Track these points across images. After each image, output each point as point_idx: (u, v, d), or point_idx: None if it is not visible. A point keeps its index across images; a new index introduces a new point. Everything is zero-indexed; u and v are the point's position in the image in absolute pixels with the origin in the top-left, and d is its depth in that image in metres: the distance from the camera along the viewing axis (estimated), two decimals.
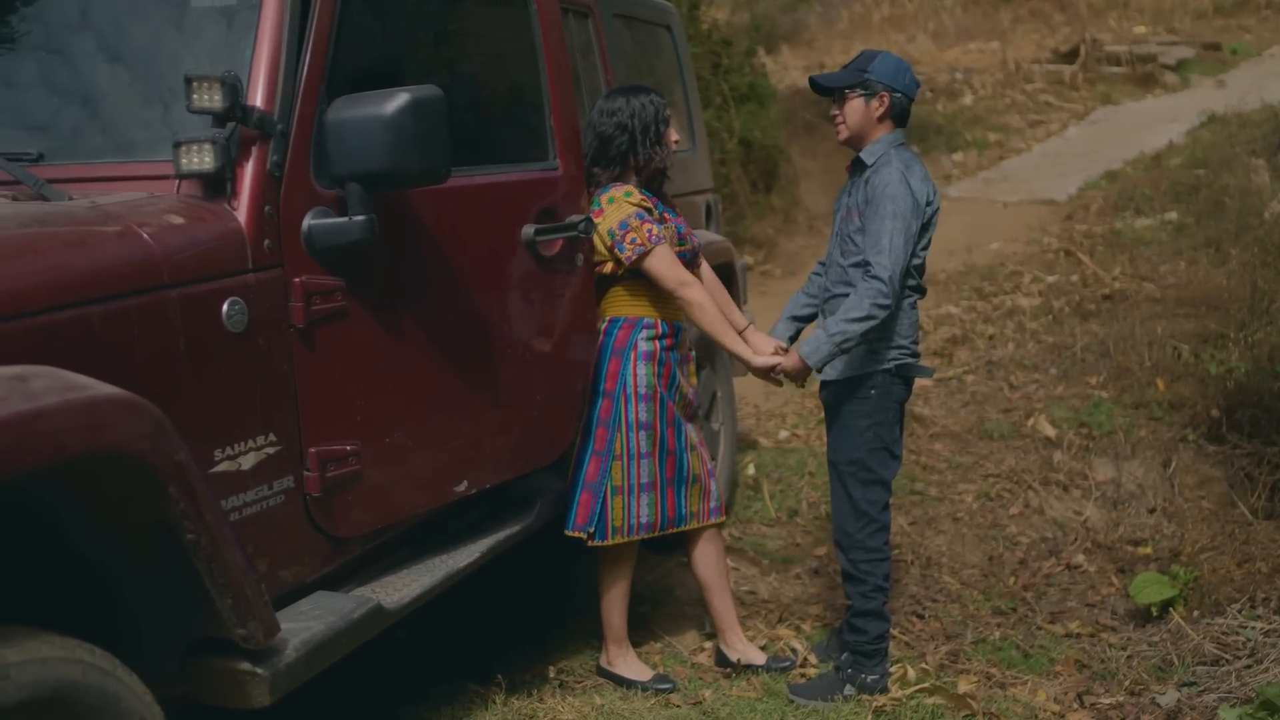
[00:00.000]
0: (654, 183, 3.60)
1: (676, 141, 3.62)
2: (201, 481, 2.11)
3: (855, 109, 3.51)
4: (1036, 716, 3.55)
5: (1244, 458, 5.36)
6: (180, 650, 2.37)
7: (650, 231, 3.40)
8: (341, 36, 2.72)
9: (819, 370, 3.49)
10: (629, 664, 3.69)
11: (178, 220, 2.40)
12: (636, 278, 3.50)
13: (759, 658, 3.77)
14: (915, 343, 3.58)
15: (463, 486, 3.09)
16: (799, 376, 3.55)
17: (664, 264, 3.42)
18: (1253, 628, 3.86)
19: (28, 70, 2.77)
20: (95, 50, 2.72)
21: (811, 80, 3.67)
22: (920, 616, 4.30)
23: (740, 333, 3.64)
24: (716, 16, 10.92)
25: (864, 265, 3.39)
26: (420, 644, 3.83)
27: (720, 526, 3.74)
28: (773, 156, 10.59)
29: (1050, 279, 8.57)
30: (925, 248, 3.51)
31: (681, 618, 4.18)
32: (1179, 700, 3.55)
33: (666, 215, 3.54)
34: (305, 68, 2.63)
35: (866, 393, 3.51)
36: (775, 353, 3.61)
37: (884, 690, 3.54)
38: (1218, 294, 7.20)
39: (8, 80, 2.77)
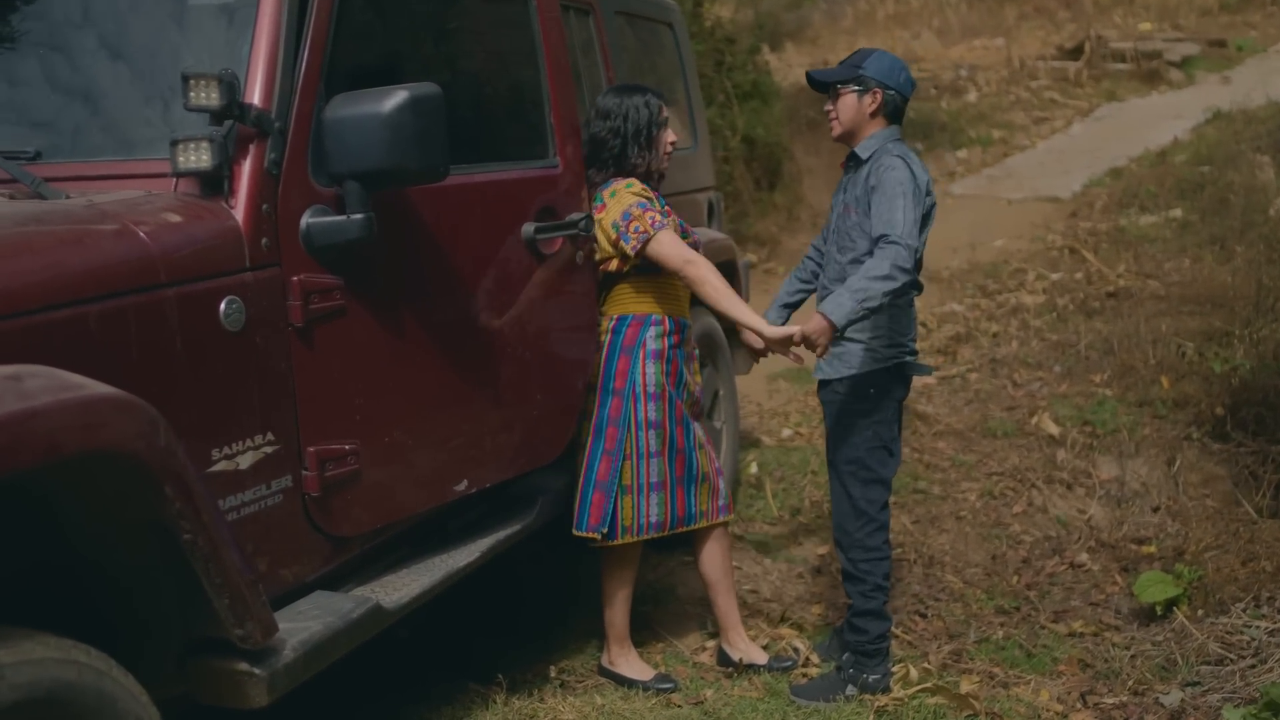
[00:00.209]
0: (648, 183, 3.58)
1: (673, 143, 3.61)
2: (198, 481, 2.10)
3: (848, 104, 3.51)
4: (1039, 716, 3.53)
5: (1249, 456, 5.34)
6: (179, 650, 2.36)
7: (653, 219, 3.39)
8: (340, 33, 2.71)
9: (842, 332, 3.26)
10: (630, 664, 3.68)
11: (175, 219, 2.39)
12: (642, 274, 3.49)
13: (761, 657, 3.76)
14: (913, 340, 3.56)
15: (462, 485, 3.08)
16: (821, 338, 3.26)
17: (669, 246, 3.39)
18: (1257, 627, 3.84)
19: (25, 68, 2.76)
20: (93, 48, 2.71)
21: (808, 76, 3.66)
22: (923, 615, 4.29)
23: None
24: (720, 14, 10.90)
25: (877, 240, 3.30)
26: (421, 643, 3.82)
27: (727, 525, 3.73)
28: (776, 154, 10.57)
29: (1054, 276, 8.55)
30: (923, 242, 3.50)
31: (684, 617, 4.17)
32: (1183, 700, 3.54)
33: (669, 209, 3.53)
34: (303, 65, 2.62)
35: (865, 392, 3.50)
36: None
37: (886, 690, 3.53)
38: (1222, 291, 7.18)
39: (5, 78, 2.76)
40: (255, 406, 2.50)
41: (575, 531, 3.53)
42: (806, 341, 3.28)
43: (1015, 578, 4.61)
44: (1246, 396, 5.64)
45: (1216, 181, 9.84)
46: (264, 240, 2.52)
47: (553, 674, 3.65)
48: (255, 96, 2.54)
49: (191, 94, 2.41)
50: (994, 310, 8.00)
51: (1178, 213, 9.53)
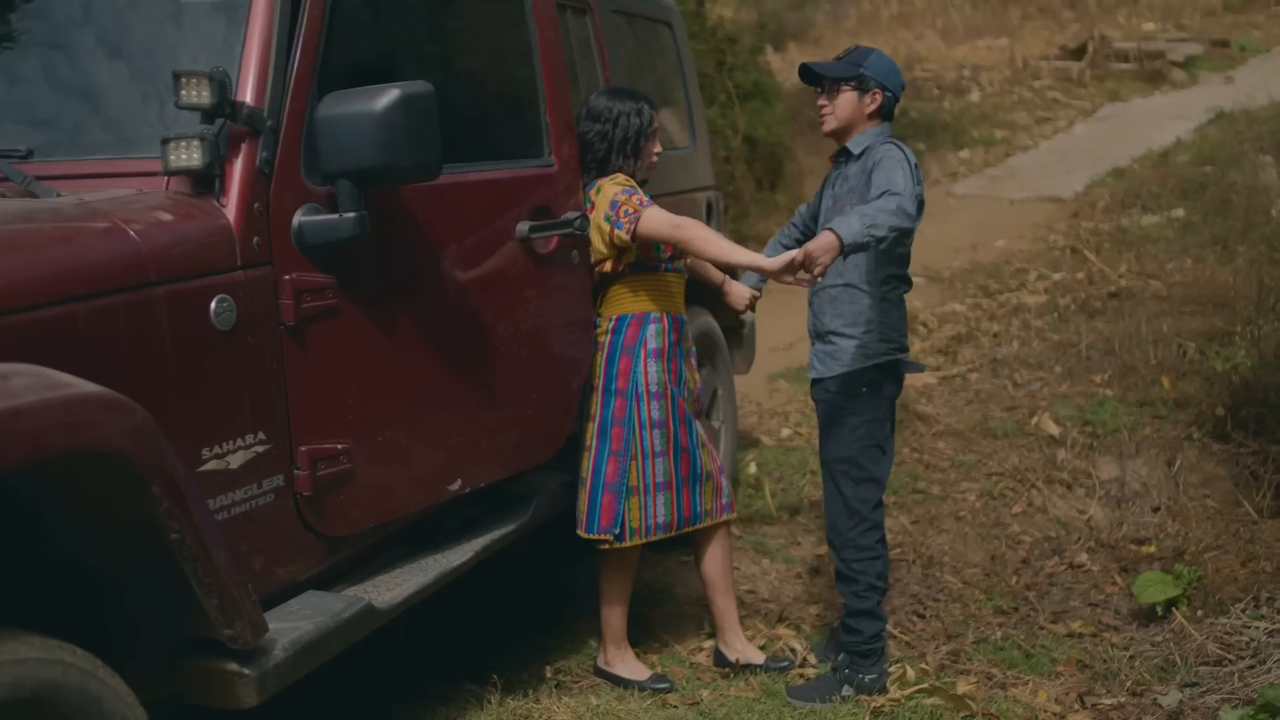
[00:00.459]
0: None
1: (658, 154, 3.62)
2: (186, 480, 2.09)
3: (847, 102, 3.49)
4: (1037, 717, 3.52)
5: (1249, 456, 5.32)
6: (169, 650, 2.35)
7: (640, 199, 3.40)
8: (333, 32, 2.70)
9: (845, 254, 3.14)
10: (627, 664, 3.67)
11: (165, 217, 2.38)
12: (637, 273, 3.49)
13: (758, 657, 3.75)
14: (904, 335, 3.55)
15: (456, 485, 3.07)
16: (825, 255, 3.08)
17: (658, 218, 3.38)
18: (1256, 627, 3.82)
19: (17, 66, 2.75)
20: (85, 46, 2.71)
21: (804, 67, 3.62)
22: (921, 616, 4.27)
23: (720, 285, 3.78)
24: (722, 14, 10.89)
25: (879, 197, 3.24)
26: (417, 642, 3.82)
27: (729, 524, 3.72)
28: (778, 154, 10.56)
29: (1056, 276, 8.54)
30: (912, 237, 3.49)
31: (681, 617, 4.16)
32: (1181, 701, 3.52)
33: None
34: (296, 63, 2.62)
35: (857, 390, 3.49)
36: (751, 300, 3.79)
37: (882, 690, 3.52)
38: (1224, 291, 7.16)
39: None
40: (246, 405, 2.49)
41: (584, 534, 3.52)
42: (808, 260, 3.10)
43: (1014, 578, 4.60)
44: (1247, 396, 5.62)
45: (1219, 182, 9.83)
46: (255, 239, 2.52)
47: (548, 674, 3.64)
48: (247, 95, 2.54)
49: (183, 92, 2.41)
50: (995, 310, 7.98)
51: (1180, 213, 9.52)
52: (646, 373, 3.47)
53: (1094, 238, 9.41)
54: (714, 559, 3.72)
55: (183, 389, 2.34)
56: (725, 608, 3.77)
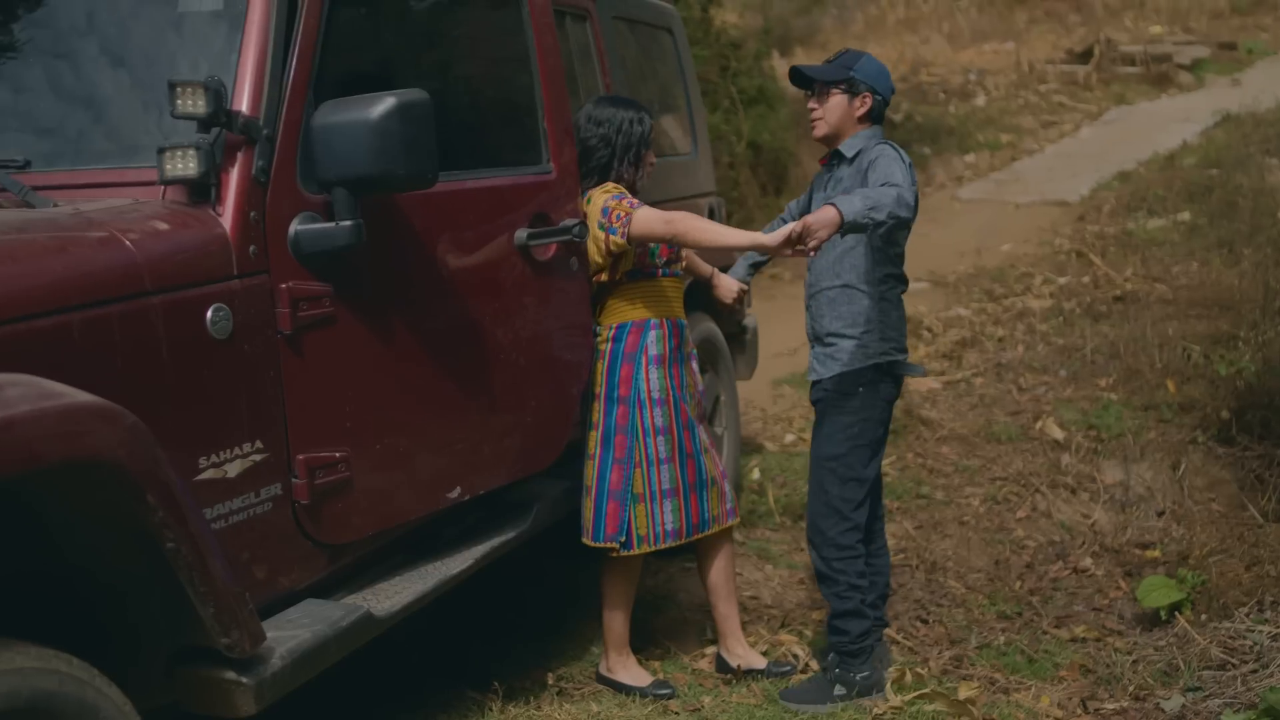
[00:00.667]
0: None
1: (653, 164, 3.64)
2: (182, 489, 2.10)
3: (837, 105, 3.50)
4: None
5: (1254, 459, 5.31)
6: (168, 659, 2.36)
7: (630, 202, 3.42)
8: (329, 40, 2.71)
9: (844, 232, 3.12)
10: (629, 670, 3.66)
11: (161, 226, 2.39)
12: (634, 281, 3.49)
13: (759, 663, 3.75)
14: (902, 336, 3.55)
15: (455, 493, 3.08)
16: (823, 230, 3.07)
17: (650, 217, 3.39)
18: (1260, 631, 3.81)
19: (14, 77, 2.76)
20: (82, 56, 2.72)
21: (794, 70, 3.63)
22: (924, 621, 4.27)
23: (709, 278, 3.82)
24: (726, 19, 10.89)
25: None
26: (419, 650, 3.82)
27: (732, 530, 3.72)
28: (782, 159, 10.57)
29: (1061, 280, 8.52)
30: (906, 235, 3.49)
31: (683, 624, 4.16)
32: (1183, 706, 3.51)
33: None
34: (292, 72, 2.62)
35: (853, 389, 3.50)
36: (740, 293, 3.81)
37: (878, 688, 3.52)
38: (1230, 295, 7.14)
39: None
40: (243, 414, 2.50)
41: (590, 542, 3.52)
42: (806, 231, 3.09)
43: (1018, 583, 4.59)
44: (1252, 400, 5.61)
45: (1225, 184, 9.80)
46: (252, 248, 2.52)
47: (550, 681, 3.64)
48: (243, 104, 2.54)
49: (178, 101, 2.42)
50: (1000, 314, 7.97)
51: (1186, 216, 9.49)
52: (648, 379, 3.47)
53: (1099, 241, 9.38)
54: (717, 565, 3.72)
55: (179, 398, 2.35)
56: (727, 613, 3.77)
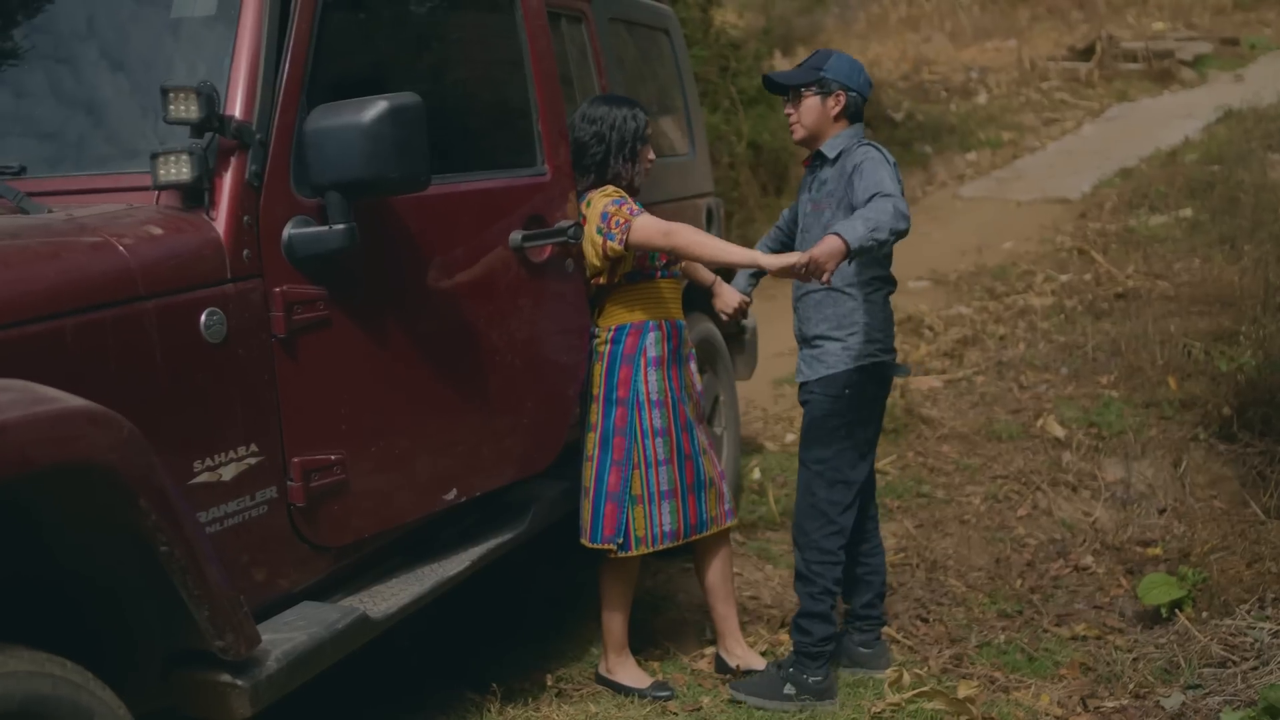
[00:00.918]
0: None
1: (652, 161, 3.63)
2: (175, 493, 2.10)
3: (811, 108, 3.50)
4: None
5: (1256, 456, 5.30)
6: (164, 662, 2.37)
7: (630, 209, 3.40)
8: (321, 45, 2.72)
9: (851, 258, 3.11)
10: (628, 671, 3.67)
11: (154, 231, 2.39)
12: (633, 283, 3.49)
13: (758, 663, 3.75)
14: (890, 338, 3.54)
15: (452, 495, 3.08)
16: (831, 261, 3.07)
17: (648, 226, 3.37)
18: (1261, 628, 3.80)
19: (7, 83, 2.77)
20: (76, 62, 2.73)
21: (765, 78, 3.64)
22: (924, 620, 4.26)
23: (710, 286, 3.76)
24: (725, 19, 10.89)
25: (868, 200, 3.22)
26: (419, 652, 3.83)
27: (729, 531, 3.73)
28: (782, 159, 10.57)
29: (1063, 278, 8.51)
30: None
31: (682, 624, 4.17)
32: (1183, 703, 3.50)
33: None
34: (284, 77, 2.63)
35: (840, 391, 3.49)
36: (740, 305, 3.73)
37: (829, 694, 3.53)
38: (1232, 291, 7.13)
39: None
40: (238, 418, 2.51)
41: (588, 543, 3.53)
42: (813, 265, 3.06)
43: (1019, 581, 4.58)
44: (1254, 396, 5.60)
45: (1227, 180, 9.79)
46: (245, 251, 2.53)
47: (549, 682, 3.65)
48: (236, 109, 2.55)
49: (171, 107, 2.42)
50: (1001, 312, 7.96)
51: (1188, 212, 9.48)
52: (647, 381, 3.47)
53: (1101, 238, 9.38)
54: (715, 565, 3.72)
55: (174, 402, 2.35)
56: (726, 614, 3.77)
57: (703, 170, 5.10)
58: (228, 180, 2.52)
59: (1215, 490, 5.20)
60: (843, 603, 3.87)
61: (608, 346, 3.50)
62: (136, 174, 2.55)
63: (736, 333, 5.11)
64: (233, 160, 2.53)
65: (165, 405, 2.33)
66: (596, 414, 3.51)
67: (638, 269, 3.49)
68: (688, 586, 4.38)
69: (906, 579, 4.57)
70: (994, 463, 5.59)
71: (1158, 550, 4.73)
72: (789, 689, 3.52)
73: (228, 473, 2.48)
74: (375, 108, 2.55)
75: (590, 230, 3.43)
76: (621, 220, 3.37)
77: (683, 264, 3.67)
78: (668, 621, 4.18)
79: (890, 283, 3.56)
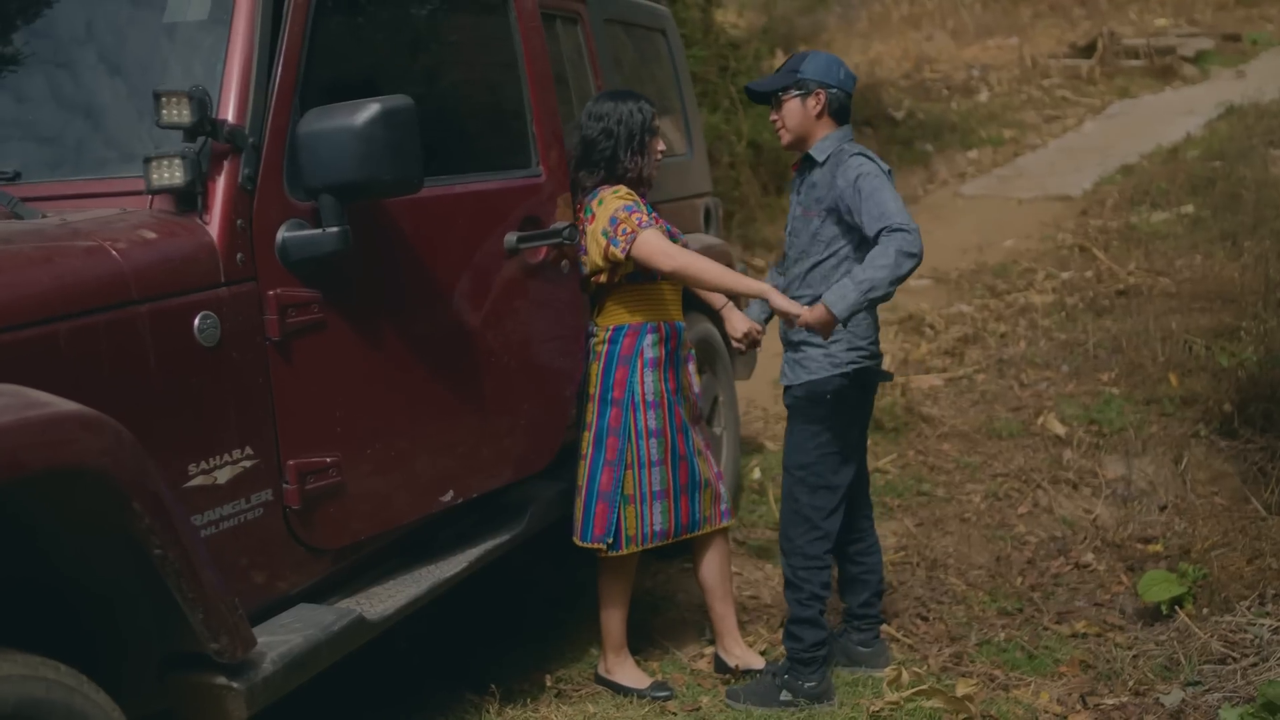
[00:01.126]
0: (636, 190, 3.56)
1: (662, 151, 3.60)
2: (168, 496, 2.11)
3: (793, 110, 3.46)
4: (1038, 718, 3.50)
5: (1257, 452, 5.29)
6: (159, 665, 2.37)
7: (639, 219, 3.37)
8: (314, 48, 2.73)
9: (845, 323, 3.22)
10: (627, 672, 3.67)
11: (147, 235, 2.40)
12: (634, 283, 3.49)
13: (758, 663, 3.75)
14: (874, 344, 3.52)
15: (448, 496, 3.09)
16: (824, 329, 3.23)
17: (654, 244, 3.35)
18: (1261, 625, 3.80)
19: (4, 90, 2.78)
20: (69, 67, 2.74)
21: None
22: (924, 619, 4.26)
23: (719, 309, 3.69)
24: (723, 19, 10.88)
25: (876, 235, 3.22)
26: (419, 652, 3.83)
27: (727, 530, 3.73)
28: (783, 159, 10.52)
29: (1064, 275, 8.50)
30: None
31: (682, 624, 4.17)
32: (1183, 700, 3.50)
33: (656, 216, 3.51)
34: (277, 80, 2.64)
35: (821, 397, 3.46)
36: (749, 333, 3.62)
37: (825, 697, 3.53)
38: (1233, 287, 7.12)
39: None
40: (232, 421, 2.51)
41: (579, 541, 3.53)
42: (808, 328, 3.25)
43: (1019, 579, 4.58)
44: (1255, 392, 5.59)
45: (1228, 177, 9.77)
46: (239, 255, 2.54)
47: (549, 683, 3.65)
48: (229, 112, 2.56)
49: (163, 111, 2.43)
50: (1002, 310, 7.95)
51: (1189, 209, 9.46)
52: (643, 383, 3.47)
53: (1103, 235, 9.36)
54: (712, 565, 3.72)
55: (168, 406, 2.36)
56: (724, 613, 3.77)
57: (700, 170, 5.11)
58: (221, 184, 2.53)
59: (1216, 486, 5.19)
60: (840, 602, 3.88)
61: (605, 346, 3.50)
62: (130, 178, 2.56)
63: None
64: (226, 164, 2.54)
65: (159, 409, 2.34)
66: (592, 413, 3.51)
67: (639, 270, 3.48)
68: (687, 586, 4.38)
69: (907, 577, 4.57)
70: (994, 460, 5.59)
71: (1158, 547, 4.72)
72: (785, 695, 3.52)
73: (223, 476, 2.49)
74: (367, 110, 2.55)
75: (596, 228, 3.41)
76: (629, 229, 3.35)
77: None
78: (667, 621, 4.19)
79: None
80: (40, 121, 2.75)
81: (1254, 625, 3.82)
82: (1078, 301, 7.80)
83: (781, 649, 3.91)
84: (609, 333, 3.50)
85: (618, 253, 3.37)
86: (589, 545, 3.51)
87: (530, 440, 3.35)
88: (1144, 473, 5.34)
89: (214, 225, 2.51)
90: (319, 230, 2.63)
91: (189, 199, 2.50)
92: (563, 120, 3.61)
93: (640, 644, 3.89)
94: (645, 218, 3.40)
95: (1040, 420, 5.91)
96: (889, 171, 3.38)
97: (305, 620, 2.63)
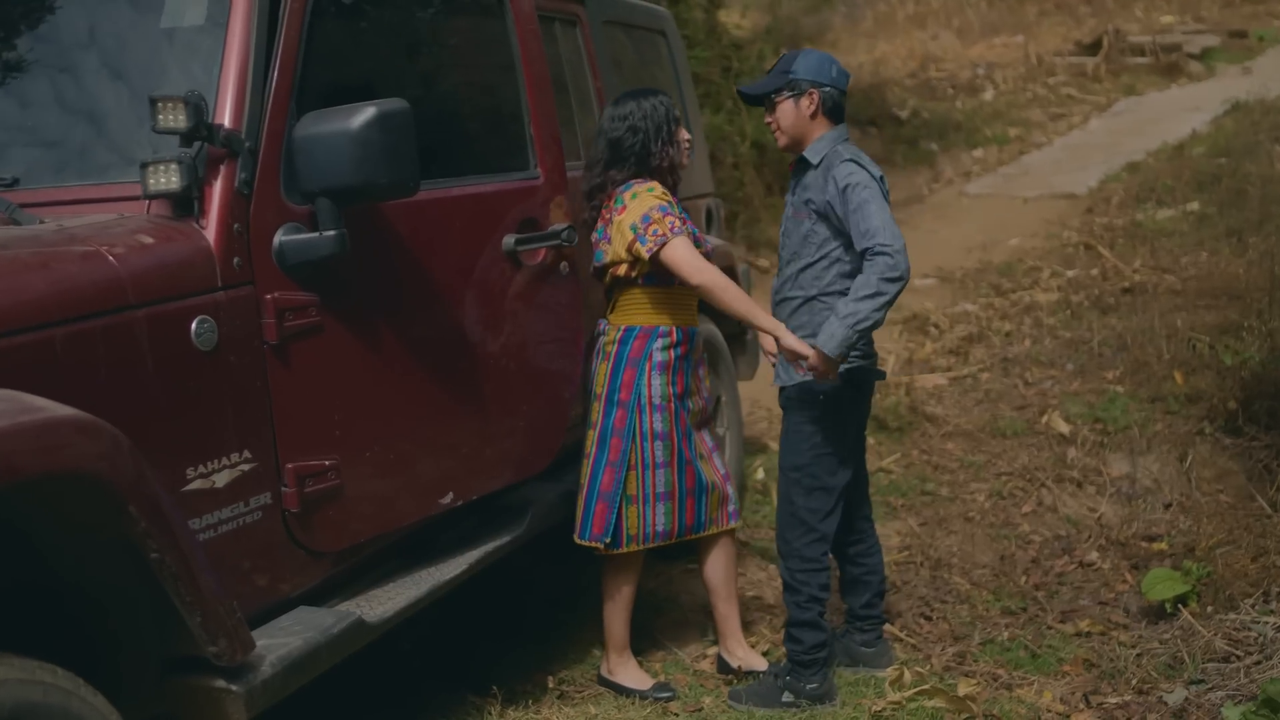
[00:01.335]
0: (667, 182, 3.53)
1: (689, 140, 3.60)
2: (165, 500, 2.12)
3: (786, 111, 3.44)
4: (1041, 717, 3.50)
5: (1262, 450, 5.27)
6: (158, 668, 2.38)
7: (672, 223, 3.35)
8: (310, 52, 2.73)
9: (845, 357, 3.26)
10: (629, 673, 3.67)
11: (144, 240, 2.41)
12: (651, 285, 3.46)
13: (760, 664, 3.75)
14: (868, 343, 3.50)
15: (448, 499, 3.09)
16: (828, 371, 3.28)
17: (683, 253, 3.33)
18: (1265, 623, 3.78)
19: (1, 96, 2.79)
20: (67, 73, 2.75)
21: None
22: (928, 618, 4.25)
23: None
24: (726, 19, 10.87)
25: (863, 254, 3.25)
26: (421, 653, 3.84)
27: (734, 532, 3.72)
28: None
29: (1069, 273, 8.49)
30: None
31: (685, 625, 4.17)
32: (1186, 699, 3.49)
33: (686, 217, 3.50)
34: (273, 84, 2.65)
35: (814, 398, 3.45)
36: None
37: (827, 698, 3.53)
38: (1239, 284, 7.10)
39: None
40: (230, 425, 2.52)
41: (578, 539, 3.54)
42: (813, 374, 3.31)
43: (1023, 578, 4.57)
44: (1259, 390, 5.57)
45: (1234, 173, 9.75)
46: (236, 259, 2.55)
47: (551, 684, 3.65)
48: (225, 117, 2.57)
49: (159, 116, 2.44)
50: (1007, 309, 7.94)
51: (1195, 206, 9.44)
52: (650, 385, 3.46)
53: (1108, 233, 9.35)
54: (717, 565, 3.72)
55: (165, 410, 2.37)
56: (727, 614, 3.77)
57: (702, 171, 5.11)
58: (217, 188, 2.54)
59: (1221, 484, 5.17)
60: (842, 603, 3.87)
61: (615, 347, 3.49)
62: (128, 184, 2.57)
63: (738, 333, 5.11)
64: (222, 168, 2.55)
65: (157, 413, 2.35)
66: (597, 413, 3.50)
67: (655, 272, 3.44)
68: (690, 587, 4.38)
69: (910, 577, 4.56)
70: (999, 459, 5.58)
71: (1163, 545, 4.71)
72: (787, 696, 3.52)
73: (221, 479, 2.49)
74: (363, 114, 2.56)
75: (625, 220, 3.37)
76: (660, 232, 3.33)
77: None
78: (670, 622, 4.19)
79: None
80: (38, 127, 2.76)
81: (1258, 623, 3.81)
82: (1083, 299, 7.78)
83: (784, 650, 3.91)
84: (620, 333, 3.49)
85: (643, 251, 3.34)
86: (586, 544, 3.51)
87: (530, 442, 3.35)
88: (1149, 471, 5.33)
89: (211, 230, 2.52)
90: (316, 234, 2.63)
91: (185, 204, 2.51)
92: (561, 122, 3.61)
93: (643, 645, 3.89)
94: (678, 223, 3.37)
95: (1045, 419, 5.90)
96: (881, 178, 3.35)
97: (304, 623, 2.63)
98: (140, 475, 2.05)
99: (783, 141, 3.51)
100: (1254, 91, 12.91)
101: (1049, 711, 3.53)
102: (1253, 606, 3.94)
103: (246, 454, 2.55)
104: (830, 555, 3.65)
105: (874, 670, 3.75)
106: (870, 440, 5.28)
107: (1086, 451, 5.53)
